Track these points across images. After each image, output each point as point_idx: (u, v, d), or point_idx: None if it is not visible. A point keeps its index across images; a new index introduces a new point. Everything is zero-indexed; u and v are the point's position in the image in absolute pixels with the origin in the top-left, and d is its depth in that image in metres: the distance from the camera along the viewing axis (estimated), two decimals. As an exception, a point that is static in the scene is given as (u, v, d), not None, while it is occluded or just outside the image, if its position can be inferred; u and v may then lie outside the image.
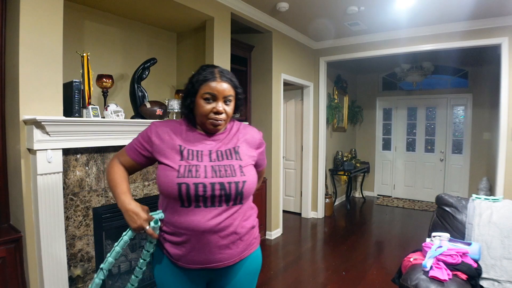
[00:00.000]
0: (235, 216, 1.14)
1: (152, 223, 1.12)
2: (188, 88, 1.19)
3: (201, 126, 1.21)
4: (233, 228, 1.14)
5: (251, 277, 1.25)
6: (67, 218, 2.00)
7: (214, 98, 1.15)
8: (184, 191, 1.08)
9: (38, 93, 1.79)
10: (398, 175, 6.39)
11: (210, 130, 1.19)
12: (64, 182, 1.97)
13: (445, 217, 2.22)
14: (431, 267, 1.78)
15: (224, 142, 1.22)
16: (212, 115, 1.15)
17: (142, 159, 1.23)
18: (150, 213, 1.15)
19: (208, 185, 1.09)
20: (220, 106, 1.15)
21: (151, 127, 1.22)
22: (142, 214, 1.11)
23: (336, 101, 5.60)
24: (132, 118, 2.53)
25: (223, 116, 1.17)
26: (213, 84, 1.14)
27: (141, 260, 1.20)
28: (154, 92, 3.00)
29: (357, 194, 6.50)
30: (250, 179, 1.17)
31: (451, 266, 1.80)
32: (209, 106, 1.15)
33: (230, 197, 1.12)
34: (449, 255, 1.84)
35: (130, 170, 1.27)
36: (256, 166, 1.28)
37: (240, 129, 1.28)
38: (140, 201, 2.38)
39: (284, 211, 5.02)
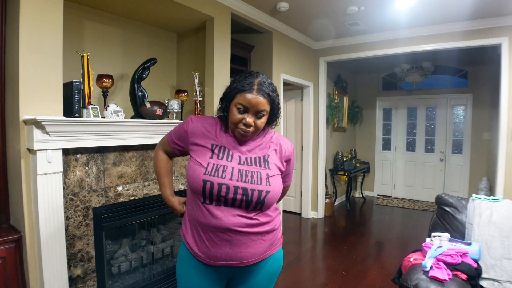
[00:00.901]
0: (256, 217, 1.15)
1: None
2: (226, 92, 1.20)
3: (231, 131, 1.21)
4: (254, 228, 1.15)
5: (271, 277, 1.26)
6: (67, 218, 1.99)
7: (246, 109, 1.14)
8: (208, 188, 1.10)
9: (38, 93, 1.80)
10: (398, 175, 6.39)
11: (238, 137, 1.20)
12: (64, 182, 1.97)
13: (445, 217, 2.22)
14: (431, 267, 1.78)
15: (255, 150, 1.22)
16: (240, 125, 1.15)
17: (180, 149, 1.31)
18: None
19: (231, 188, 1.11)
20: (250, 119, 1.14)
21: (188, 122, 1.25)
22: (178, 209, 1.37)
23: (336, 101, 5.60)
24: (132, 118, 2.53)
25: (251, 129, 1.15)
26: (248, 96, 1.12)
27: None
28: (154, 92, 3.00)
29: (357, 194, 6.50)
30: (275, 190, 1.17)
31: (451, 266, 1.80)
32: (239, 116, 1.14)
33: (250, 203, 1.12)
34: (449, 255, 1.84)
35: (173, 156, 1.41)
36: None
37: (273, 138, 1.27)
38: (141, 201, 2.39)
39: (284, 211, 5.02)
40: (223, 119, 1.24)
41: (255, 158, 1.20)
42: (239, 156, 1.18)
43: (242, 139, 1.19)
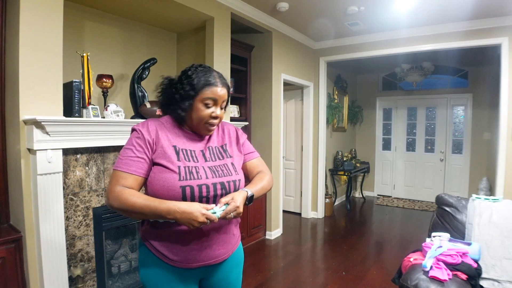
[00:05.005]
0: None
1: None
2: (186, 90, 1.12)
3: (194, 128, 1.18)
4: (229, 224, 1.20)
5: (239, 268, 1.31)
6: (67, 218, 1.99)
7: (215, 103, 1.15)
8: (188, 194, 1.07)
9: (38, 93, 1.79)
10: (398, 175, 6.39)
11: (203, 133, 1.19)
12: (64, 182, 1.97)
13: (445, 217, 2.22)
14: (431, 267, 1.78)
15: (212, 140, 1.24)
16: (210, 120, 1.15)
17: (148, 169, 1.11)
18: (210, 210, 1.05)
19: (210, 186, 1.11)
20: (219, 111, 1.17)
21: (138, 131, 1.12)
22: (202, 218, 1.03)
23: (336, 101, 5.60)
24: (132, 118, 2.53)
25: (218, 120, 1.18)
26: (216, 89, 1.14)
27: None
28: (154, 92, 3.00)
29: (357, 194, 6.50)
30: (242, 177, 1.23)
31: (451, 266, 1.80)
32: (208, 111, 1.14)
33: None
34: (449, 255, 1.83)
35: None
36: (246, 158, 1.31)
37: (220, 127, 1.31)
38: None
39: (284, 211, 5.02)
40: (178, 119, 1.18)
41: (215, 148, 1.23)
42: (202, 152, 1.19)
43: (206, 134, 1.21)
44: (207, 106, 1.14)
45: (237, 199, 1.08)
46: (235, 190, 1.15)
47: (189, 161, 1.13)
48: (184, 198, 1.07)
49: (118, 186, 1.06)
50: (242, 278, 1.35)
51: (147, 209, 1.01)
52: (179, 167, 1.09)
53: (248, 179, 1.28)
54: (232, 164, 1.21)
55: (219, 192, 1.12)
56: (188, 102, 1.14)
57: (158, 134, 1.14)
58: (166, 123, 1.20)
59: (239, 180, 1.19)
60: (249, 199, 1.14)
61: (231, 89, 3.70)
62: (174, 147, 1.14)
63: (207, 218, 1.01)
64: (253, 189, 1.17)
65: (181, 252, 1.12)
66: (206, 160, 1.17)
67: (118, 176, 1.07)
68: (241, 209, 1.08)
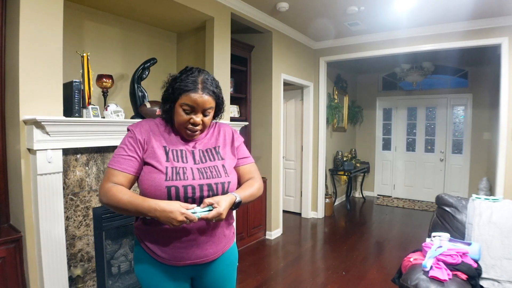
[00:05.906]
0: None
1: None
2: (169, 93, 1.15)
3: (178, 130, 1.20)
4: (218, 224, 1.18)
5: (232, 268, 1.30)
6: (67, 218, 1.99)
7: (193, 109, 1.13)
8: (173, 194, 1.08)
9: (38, 93, 1.79)
10: (398, 175, 6.39)
11: (186, 137, 1.20)
12: (64, 182, 1.97)
13: (445, 217, 2.22)
14: (431, 267, 1.78)
15: (204, 142, 1.23)
16: (189, 126, 1.15)
17: (139, 167, 1.14)
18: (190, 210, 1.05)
19: (196, 187, 1.11)
20: (198, 118, 1.14)
21: (131, 131, 1.17)
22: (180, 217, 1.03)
23: (336, 101, 5.60)
24: (132, 118, 2.53)
25: (199, 127, 1.16)
26: (194, 96, 1.11)
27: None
28: (154, 92, 3.00)
29: (357, 194, 6.50)
30: (233, 179, 1.20)
31: (451, 266, 1.80)
32: (186, 117, 1.13)
33: None
34: (449, 255, 1.83)
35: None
36: (239, 162, 1.28)
37: (215, 128, 1.30)
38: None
39: (284, 211, 5.02)
40: (167, 120, 1.22)
41: (206, 150, 1.21)
42: (192, 153, 1.18)
43: (187, 138, 1.20)
44: (185, 111, 1.13)
45: (222, 204, 1.06)
46: (223, 192, 1.14)
47: (178, 161, 1.14)
48: (169, 198, 1.08)
49: (109, 182, 1.10)
50: (236, 278, 1.34)
51: (130, 206, 1.04)
52: (166, 167, 1.11)
53: (239, 183, 1.27)
54: (223, 166, 1.19)
55: (205, 193, 1.11)
56: (169, 105, 1.16)
57: (150, 134, 1.16)
58: (160, 123, 1.22)
59: (229, 182, 1.17)
60: (236, 205, 1.13)
61: (231, 89, 3.70)
62: (165, 147, 1.16)
63: (186, 218, 1.01)
64: (241, 194, 1.16)
65: (169, 250, 1.13)
66: (195, 162, 1.16)
67: (110, 173, 1.12)
68: (224, 216, 1.06)
